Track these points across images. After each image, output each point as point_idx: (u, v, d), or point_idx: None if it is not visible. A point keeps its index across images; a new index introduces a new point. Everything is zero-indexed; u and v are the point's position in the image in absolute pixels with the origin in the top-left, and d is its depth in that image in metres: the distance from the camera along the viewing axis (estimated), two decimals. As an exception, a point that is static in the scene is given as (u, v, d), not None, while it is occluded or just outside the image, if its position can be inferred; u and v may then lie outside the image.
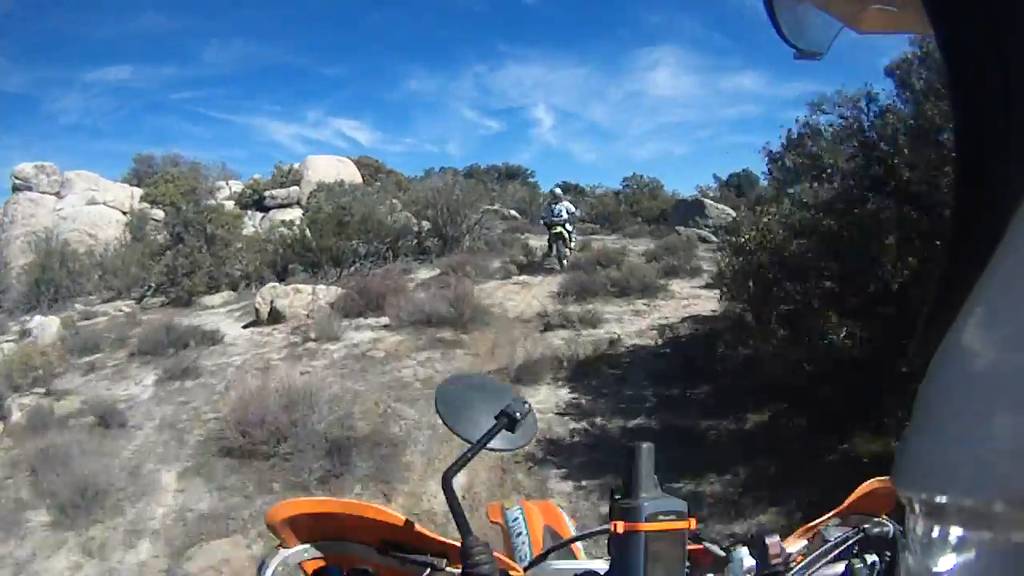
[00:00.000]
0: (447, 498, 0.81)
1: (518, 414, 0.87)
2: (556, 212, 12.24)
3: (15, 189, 15.05)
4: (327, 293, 9.08)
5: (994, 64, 0.25)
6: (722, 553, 0.89)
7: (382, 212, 13.04)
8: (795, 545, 0.96)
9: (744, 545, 0.88)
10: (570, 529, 1.43)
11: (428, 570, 0.82)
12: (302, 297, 8.88)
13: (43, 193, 15.03)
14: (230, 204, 16.68)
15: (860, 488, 0.99)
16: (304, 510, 0.87)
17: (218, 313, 10.82)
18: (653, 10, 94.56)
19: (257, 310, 8.84)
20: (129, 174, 18.26)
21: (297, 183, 18.01)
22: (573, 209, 12.86)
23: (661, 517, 0.74)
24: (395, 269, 11.94)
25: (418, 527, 0.86)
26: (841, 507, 0.99)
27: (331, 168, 18.78)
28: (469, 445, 0.85)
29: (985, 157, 0.27)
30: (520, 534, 1.35)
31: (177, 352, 7.95)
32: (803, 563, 0.90)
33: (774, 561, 0.84)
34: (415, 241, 14.14)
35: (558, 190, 13.80)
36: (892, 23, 0.48)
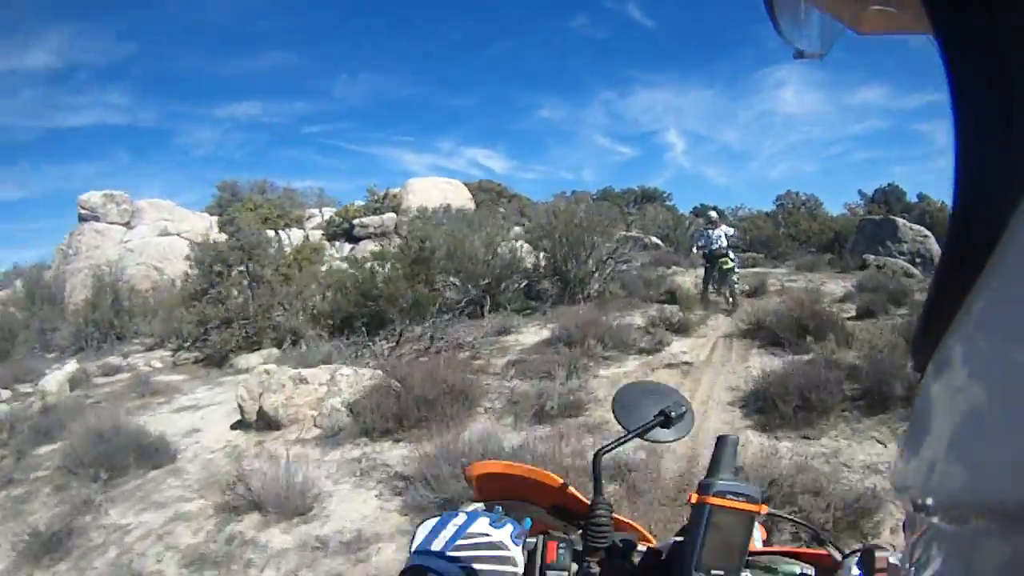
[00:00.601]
0: (593, 468, 0.92)
1: (674, 413, 1.00)
2: (715, 239, 9.32)
3: (81, 219, 13.60)
4: (355, 382, 5.48)
5: (994, 64, 0.24)
6: (839, 557, 0.94)
7: (475, 244, 9.38)
8: None
9: (859, 554, 0.91)
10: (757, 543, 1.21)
11: (580, 531, 0.94)
12: (309, 390, 5.35)
13: (111, 223, 13.43)
14: (317, 234, 14.16)
15: None
16: (495, 470, 1.10)
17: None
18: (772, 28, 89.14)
19: (241, 408, 5.45)
20: (212, 203, 16.56)
21: (395, 209, 15.21)
22: (732, 233, 9.97)
23: (730, 496, 0.82)
24: (488, 328, 8.18)
25: (571, 489, 1.05)
26: None
27: (436, 192, 15.90)
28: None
29: (984, 157, 0.26)
30: None
31: (90, 482, 4.76)
32: None
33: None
34: (524, 283, 10.37)
35: (713, 213, 10.84)
36: (892, 24, 0.48)
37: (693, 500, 0.84)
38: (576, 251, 10.28)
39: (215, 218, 14.69)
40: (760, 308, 7.78)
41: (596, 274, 10.52)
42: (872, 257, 12.87)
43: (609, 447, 0.96)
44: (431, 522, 0.83)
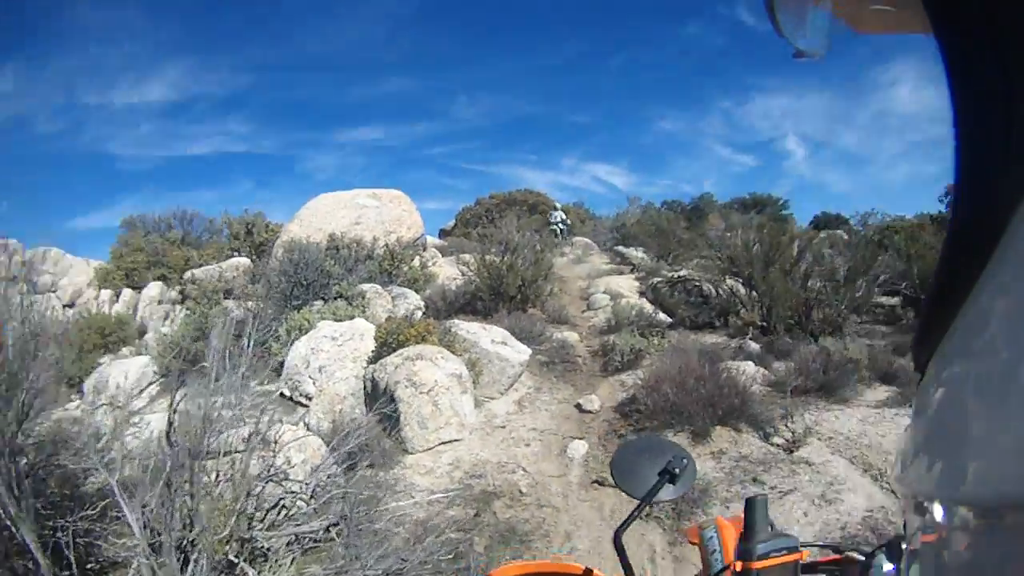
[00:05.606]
0: (617, 552, 0.98)
1: (677, 469, 1.03)
2: None
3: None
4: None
5: (993, 64, 0.25)
6: (862, 558, 0.94)
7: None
8: None
9: (883, 550, 0.91)
10: None
11: None
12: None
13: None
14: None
15: None
16: (526, 570, 1.15)
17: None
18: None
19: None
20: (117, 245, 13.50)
21: (259, 249, 12.72)
22: None
23: (773, 554, 0.86)
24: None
25: (596, 572, 1.12)
26: None
27: (345, 213, 11.09)
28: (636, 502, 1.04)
29: (985, 157, 0.26)
30: (714, 551, 1.25)
31: None
32: None
33: None
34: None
35: None
36: (891, 23, 0.47)
37: (738, 568, 0.87)
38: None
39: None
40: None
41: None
42: None
43: (624, 525, 1.00)
44: None
